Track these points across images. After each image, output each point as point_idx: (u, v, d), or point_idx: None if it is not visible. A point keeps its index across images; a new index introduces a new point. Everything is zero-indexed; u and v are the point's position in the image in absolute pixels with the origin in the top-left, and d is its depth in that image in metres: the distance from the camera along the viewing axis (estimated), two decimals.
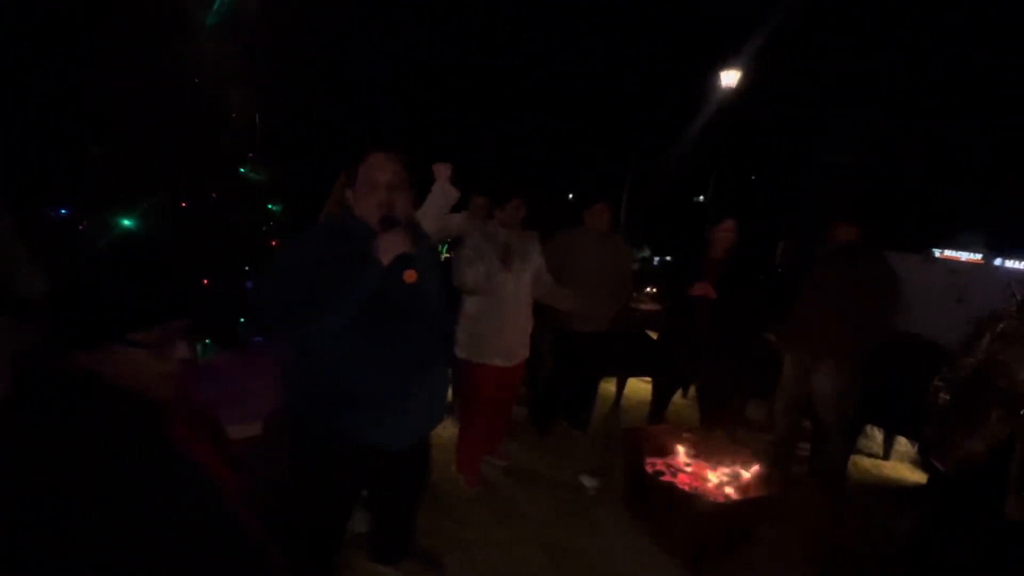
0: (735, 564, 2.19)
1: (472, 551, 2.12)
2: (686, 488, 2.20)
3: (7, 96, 2.44)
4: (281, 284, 1.30)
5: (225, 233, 2.93)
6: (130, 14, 2.66)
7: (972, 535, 1.70)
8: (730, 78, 8.81)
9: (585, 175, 13.60)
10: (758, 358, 3.55)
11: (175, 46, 2.79)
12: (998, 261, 10.85)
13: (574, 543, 2.25)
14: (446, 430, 2.88)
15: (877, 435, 3.56)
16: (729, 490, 2.22)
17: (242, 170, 3.21)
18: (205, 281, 2.79)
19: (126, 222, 2.56)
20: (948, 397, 1.98)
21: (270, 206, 3.39)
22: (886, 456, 3.45)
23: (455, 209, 2.51)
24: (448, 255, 3.40)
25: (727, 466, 2.35)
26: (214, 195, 3.00)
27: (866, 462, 3.39)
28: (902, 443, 3.48)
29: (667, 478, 2.28)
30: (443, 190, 2.30)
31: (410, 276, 1.28)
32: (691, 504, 2.13)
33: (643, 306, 4.87)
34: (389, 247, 1.28)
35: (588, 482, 2.71)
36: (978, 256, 13.43)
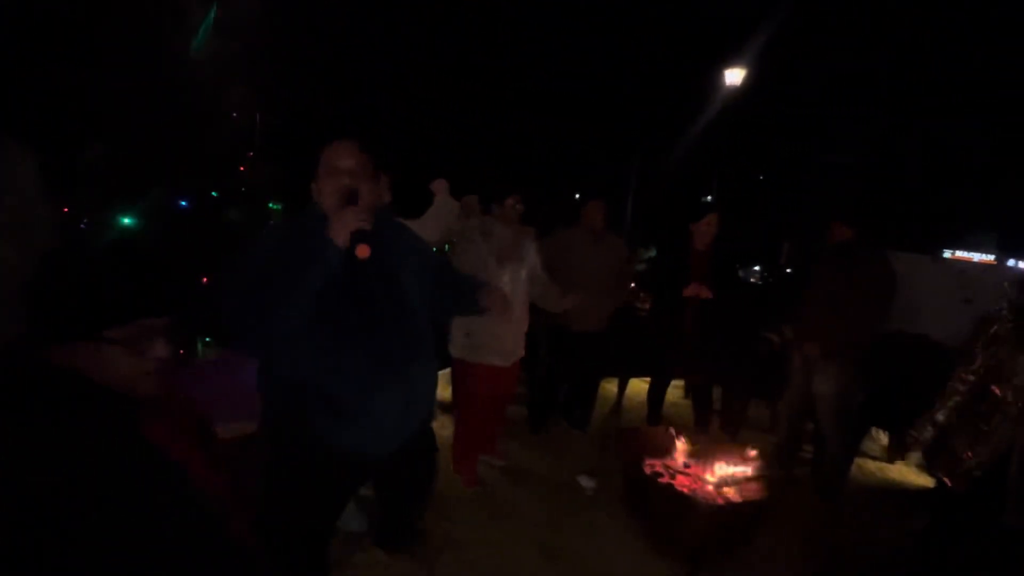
0: (733, 566, 2.16)
1: (467, 551, 2.10)
2: (684, 490, 2.17)
3: (7, 96, 2.46)
4: (235, 288, 1.23)
5: (225, 232, 2.94)
6: (130, 14, 2.68)
7: (973, 540, 1.67)
8: (734, 76, 8.75)
9: (590, 174, 13.56)
10: (759, 358, 3.52)
11: (175, 46, 2.80)
12: (1011, 262, 10.71)
13: (570, 544, 2.23)
14: (444, 429, 2.87)
15: (882, 438, 3.51)
16: (728, 492, 2.19)
17: (242, 169, 3.23)
18: (204, 280, 2.80)
19: (125, 220, 2.58)
20: (952, 415, 1.97)
21: (270, 205, 3.41)
22: (891, 459, 3.40)
23: None
24: None
25: (726, 468, 2.32)
26: (214, 194, 3.02)
27: (871, 465, 3.33)
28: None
29: (665, 479, 2.26)
30: (444, 201, 2.45)
31: (362, 251, 1.15)
32: (689, 506, 2.10)
33: (647, 306, 4.83)
34: (342, 224, 1.18)
35: (586, 483, 2.69)
36: (990, 257, 13.26)
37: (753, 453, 2.38)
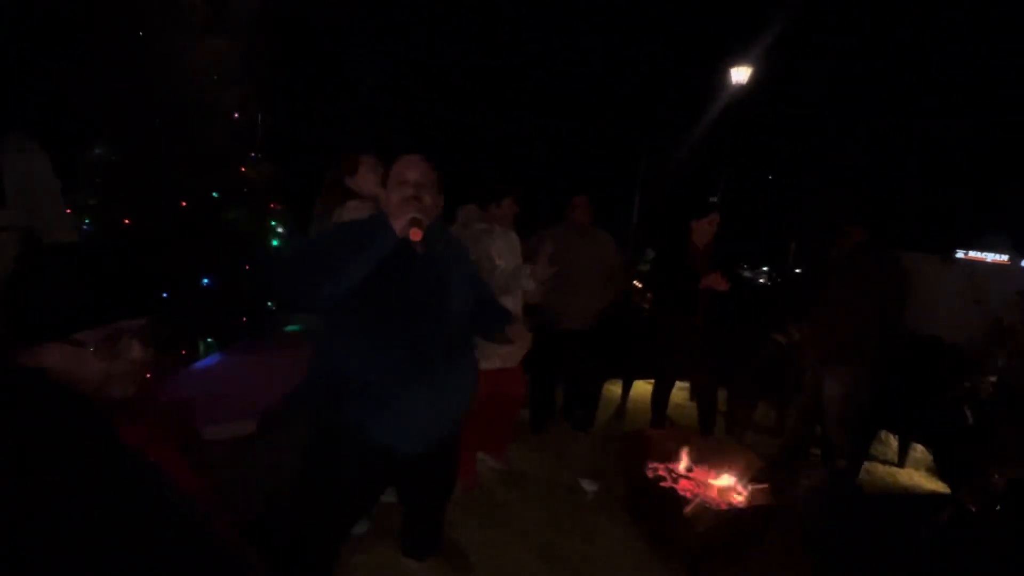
0: (736, 572, 2.11)
1: (463, 554, 2.07)
2: (687, 494, 2.13)
3: (7, 96, 2.47)
4: (295, 256, 1.33)
5: (225, 232, 2.94)
6: (129, 14, 2.68)
7: (985, 547, 1.61)
8: (740, 75, 8.66)
9: (596, 174, 13.51)
10: (766, 359, 3.46)
11: (175, 46, 2.80)
12: None
13: (570, 548, 2.19)
14: None
15: (892, 442, 3.43)
16: (731, 497, 2.14)
17: (243, 169, 3.22)
18: (205, 280, 2.80)
19: (126, 220, 2.59)
20: (971, 421, 1.90)
21: (271, 205, 3.40)
22: (901, 463, 3.32)
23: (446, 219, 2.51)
24: None
25: (730, 472, 2.27)
26: (215, 195, 3.01)
27: (880, 469, 3.26)
28: (918, 450, 3.35)
29: (667, 483, 2.21)
30: None
31: (415, 234, 1.22)
32: (691, 511, 2.05)
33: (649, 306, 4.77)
34: (401, 212, 1.25)
35: (588, 486, 2.65)
36: (1004, 257, 13.03)
37: (760, 456, 2.33)
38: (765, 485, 2.22)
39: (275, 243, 3.21)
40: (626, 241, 11.31)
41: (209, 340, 3.13)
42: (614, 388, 3.92)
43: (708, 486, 2.20)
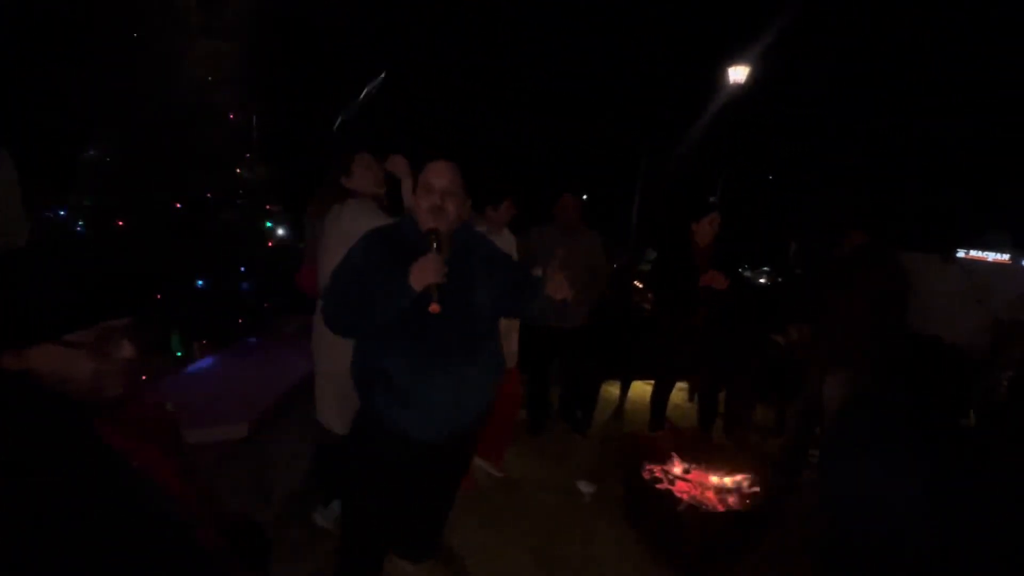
0: (735, 574, 2.09)
1: (460, 557, 2.05)
2: (684, 496, 2.11)
3: (7, 96, 2.46)
4: (338, 285, 1.46)
5: (220, 233, 2.92)
6: (125, 15, 2.67)
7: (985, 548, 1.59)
8: (738, 74, 8.65)
9: (596, 175, 13.50)
10: (766, 360, 3.44)
11: (172, 47, 2.79)
12: None
13: (566, 550, 2.17)
14: None
15: None
16: (729, 499, 2.12)
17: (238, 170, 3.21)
18: (200, 281, 2.79)
19: (120, 221, 2.57)
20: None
21: (266, 206, 3.38)
22: None
23: None
24: None
25: (728, 474, 2.26)
26: (210, 195, 3.00)
27: None
28: None
29: (664, 486, 2.19)
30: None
31: (434, 309, 1.33)
32: (688, 513, 2.04)
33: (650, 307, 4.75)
34: (420, 275, 1.35)
35: (585, 488, 2.63)
36: (1005, 256, 13.01)
37: (759, 458, 2.32)
38: (764, 486, 2.20)
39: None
40: (626, 241, 11.30)
41: (203, 342, 3.11)
42: (612, 389, 3.90)
43: (707, 488, 2.18)
